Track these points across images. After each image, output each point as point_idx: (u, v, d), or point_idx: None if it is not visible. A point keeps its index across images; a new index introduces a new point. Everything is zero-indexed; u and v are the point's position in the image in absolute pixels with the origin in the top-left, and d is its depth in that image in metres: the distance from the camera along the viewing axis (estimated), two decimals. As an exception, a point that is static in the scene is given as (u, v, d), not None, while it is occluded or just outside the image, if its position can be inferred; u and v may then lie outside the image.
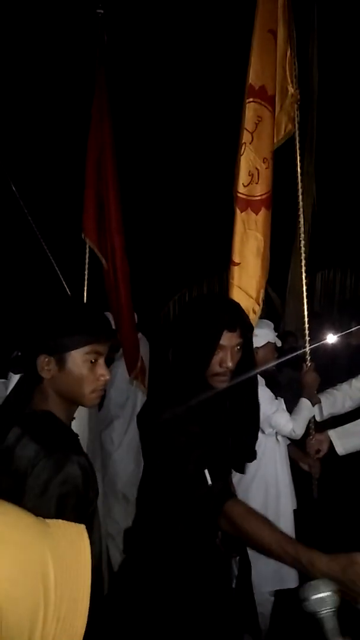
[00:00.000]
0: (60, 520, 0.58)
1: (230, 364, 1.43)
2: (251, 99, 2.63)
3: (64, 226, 3.71)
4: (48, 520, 0.57)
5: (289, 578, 2.30)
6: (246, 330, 1.49)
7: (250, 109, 2.64)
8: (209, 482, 1.30)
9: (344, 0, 5.74)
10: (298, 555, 1.17)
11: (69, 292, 2.98)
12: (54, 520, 0.58)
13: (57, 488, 1.08)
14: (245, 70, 2.65)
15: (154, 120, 6.93)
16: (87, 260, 3.15)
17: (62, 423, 1.23)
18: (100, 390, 1.26)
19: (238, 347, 1.45)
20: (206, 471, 1.32)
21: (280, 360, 2.82)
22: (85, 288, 3.16)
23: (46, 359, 1.20)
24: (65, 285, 2.98)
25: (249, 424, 1.63)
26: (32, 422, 1.20)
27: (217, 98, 6.05)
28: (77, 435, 1.27)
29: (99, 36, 3.15)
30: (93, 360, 1.22)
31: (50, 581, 0.51)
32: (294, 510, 2.44)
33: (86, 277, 3.16)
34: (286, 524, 2.33)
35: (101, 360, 1.23)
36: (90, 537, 0.59)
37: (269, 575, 2.24)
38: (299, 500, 2.55)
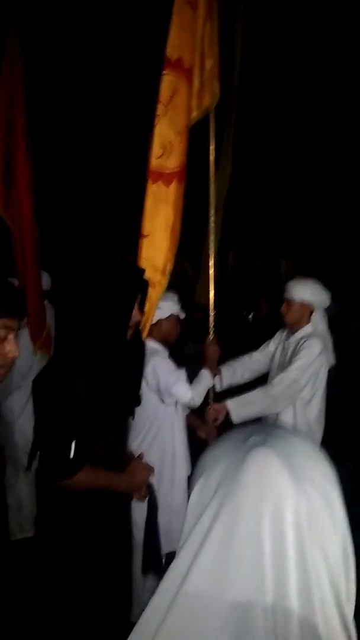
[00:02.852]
0: None
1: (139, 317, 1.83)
2: (167, 71, 2.60)
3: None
4: None
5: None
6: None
7: (166, 81, 2.60)
8: (72, 455, 1.57)
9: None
10: (111, 483, 1.71)
11: None
12: None
13: None
14: (164, 40, 2.61)
15: (71, 85, 6.61)
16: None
17: None
18: (7, 366, 1.20)
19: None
20: (73, 444, 1.58)
21: (190, 334, 2.90)
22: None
23: None
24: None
25: (138, 369, 2.00)
26: None
27: (136, 67, 5.89)
28: None
29: None
30: (2, 336, 1.15)
31: None
32: (188, 477, 2.56)
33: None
34: (180, 488, 2.44)
35: (11, 336, 1.17)
36: None
37: (160, 539, 2.34)
38: (193, 466, 2.67)
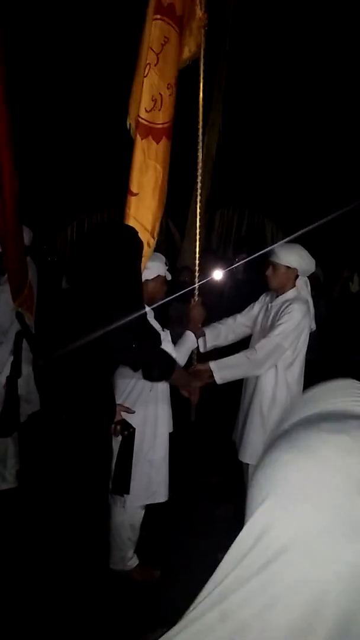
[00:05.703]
0: None
1: None
2: (158, 16, 2.48)
3: None
4: None
5: (159, 494, 2.49)
6: None
7: (157, 27, 2.48)
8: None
9: None
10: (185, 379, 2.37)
11: None
12: None
13: None
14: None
15: (51, 30, 6.25)
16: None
17: None
18: None
19: None
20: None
21: (172, 297, 2.88)
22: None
23: None
24: None
25: None
26: None
27: (119, 11, 5.58)
28: None
29: None
30: None
31: None
32: (170, 433, 2.61)
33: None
34: (161, 444, 2.49)
35: None
36: None
37: (140, 491, 2.42)
38: (176, 423, 2.72)
